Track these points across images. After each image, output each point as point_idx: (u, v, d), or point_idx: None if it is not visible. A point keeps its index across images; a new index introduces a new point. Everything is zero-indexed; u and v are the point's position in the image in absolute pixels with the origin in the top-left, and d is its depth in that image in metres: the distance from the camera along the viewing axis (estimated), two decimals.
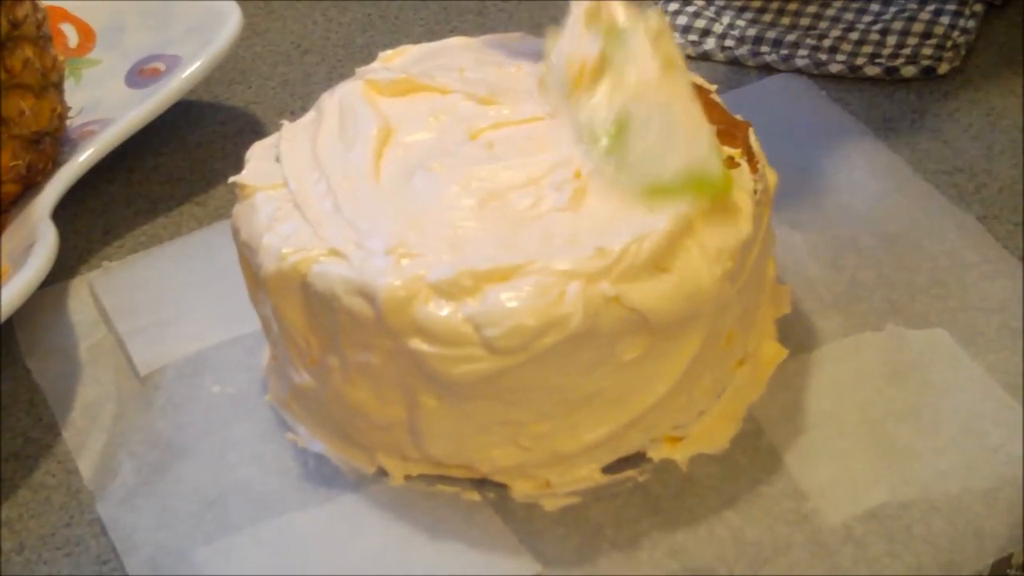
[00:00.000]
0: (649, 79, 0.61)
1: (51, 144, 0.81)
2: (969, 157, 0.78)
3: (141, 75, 0.88)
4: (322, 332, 0.61)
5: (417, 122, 0.66)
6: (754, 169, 0.63)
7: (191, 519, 0.64)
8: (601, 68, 0.63)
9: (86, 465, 0.67)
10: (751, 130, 0.65)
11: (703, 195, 0.59)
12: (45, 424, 0.70)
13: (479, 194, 0.61)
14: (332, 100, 0.68)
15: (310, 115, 0.68)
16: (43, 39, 0.80)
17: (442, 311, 0.57)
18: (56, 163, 0.81)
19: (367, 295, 0.58)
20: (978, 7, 0.88)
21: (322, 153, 0.65)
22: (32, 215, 0.76)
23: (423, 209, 0.61)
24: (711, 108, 0.65)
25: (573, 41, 0.64)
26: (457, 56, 0.71)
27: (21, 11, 0.77)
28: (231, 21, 0.87)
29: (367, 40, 0.97)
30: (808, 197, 0.76)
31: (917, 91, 0.84)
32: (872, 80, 0.85)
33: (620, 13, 0.63)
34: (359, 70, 0.70)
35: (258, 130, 0.89)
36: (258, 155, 0.67)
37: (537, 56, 0.68)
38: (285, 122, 0.68)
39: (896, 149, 0.79)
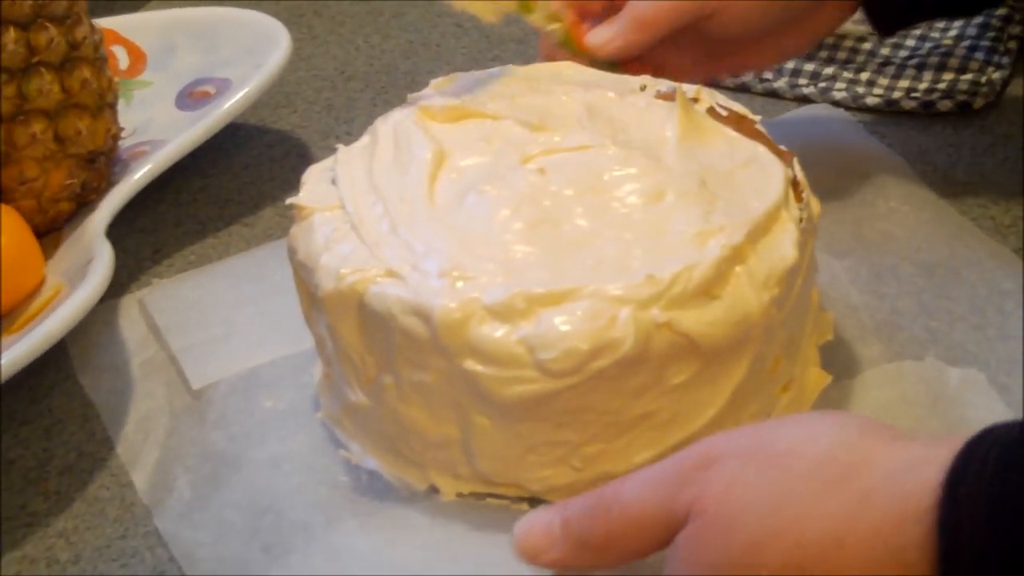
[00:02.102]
0: None
1: (105, 163, 0.82)
2: (1005, 191, 0.79)
3: (191, 97, 0.90)
4: (377, 351, 0.62)
5: (470, 147, 0.67)
6: (799, 198, 0.64)
7: (247, 531, 0.65)
8: None
9: (141, 479, 0.69)
10: (795, 160, 0.66)
11: None
12: (99, 439, 0.72)
13: (530, 218, 0.62)
14: (386, 125, 0.70)
15: (364, 139, 0.70)
16: (100, 60, 0.82)
17: (496, 332, 0.58)
18: (109, 183, 0.83)
19: (423, 315, 0.59)
20: (1012, 44, 0.90)
21: (378, 176, 0.66)
22: (87, 233, 0.78)
23: (476, 232, 0.62)
24: (756, 137, 0.66)
25: None
26: (508, 83, 0.72)
27: (80, 32, 0.79)
28: (280, 45, 0.88)
29: (410, 67, 0.98)
30: (848, 225, 0.77)
31: (953, 125, 0.85)
32: (909, 114, 0.86)
33: None
34: (411, 96, 0.72)
35: (304, 153, 0.91)
36: (314, 178, 0.69)
37: (586, 83, 0.70)
38: (340, 146, 0.70)
39: (932, 182, 0.80)
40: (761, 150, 0.65)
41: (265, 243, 0.83)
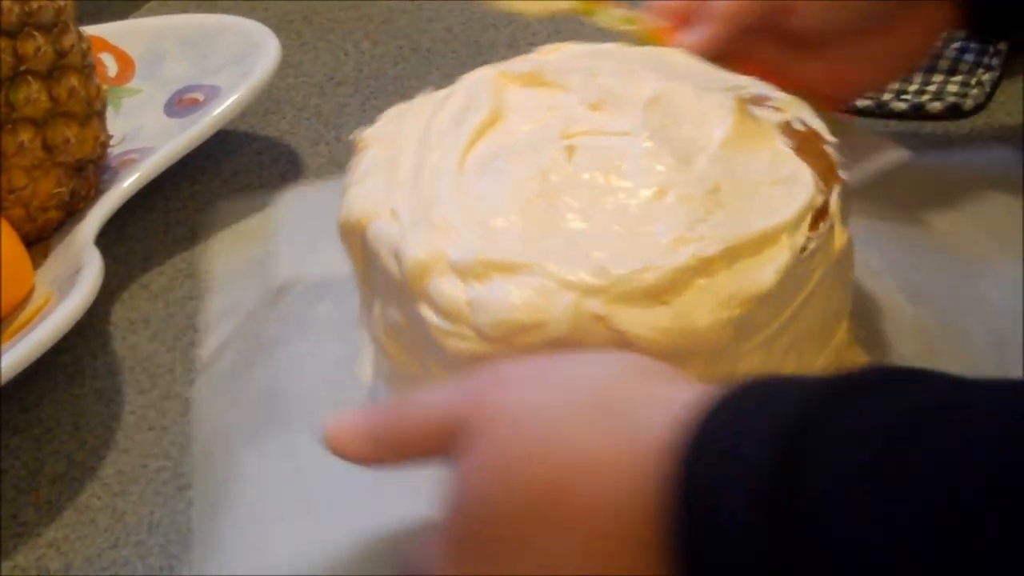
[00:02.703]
0: None
1: (94, 172, 0.82)
2: None
3: (180, 104, 0.90)
4: (371, 283, 0.65)
5: (527, 114, 0.67)
6: (814, 227, 0.62)
7: (255, 408, 0.69)
8: None
9: (206, 348, 0.75)
10: (838, 189, 0.63)
11: None
12: (89, 447, 0.72)
13: (531, 191, 0.62)
14: (466, 80, 0.70)
15: (446, 90, 0.71)
16: (88, 68, 0.82)
17: (451, 288, 0.60)
18: (98, 190, 0.82)
19: (399, 258, 0.61)
20: (1002, 46, 0.90)
21: (433, 125, 0.67)
22: (76, 241, 0.78)
23: (478, 194, 0.63)
24: (815, 158, 0.65)
25: None
26: (604, 60, 0.72)
27: (67, 41, 0.79)
28: (269, 52, 0.88)
29: (399, 72, 0.98)
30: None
31: (943, 127, 0.85)
32: (899, 116, 0.86)
33: None
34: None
35: (293, 160, 0.91)
36: (391, 115, 0.70)
37: (679, 73, 0.70)
38: (430, 88, 0.71)
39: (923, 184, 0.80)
40: (805, 172, 0.63)
41: None
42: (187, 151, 0.84)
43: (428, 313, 0.60)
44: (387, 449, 0.52)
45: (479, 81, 0.70)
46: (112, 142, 0.86)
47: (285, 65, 0.99)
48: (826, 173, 0.64)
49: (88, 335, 0.78)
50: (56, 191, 0.79)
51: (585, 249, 0.60)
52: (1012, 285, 0.70)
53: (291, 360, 0.72)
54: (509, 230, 0.61)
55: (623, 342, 0.58)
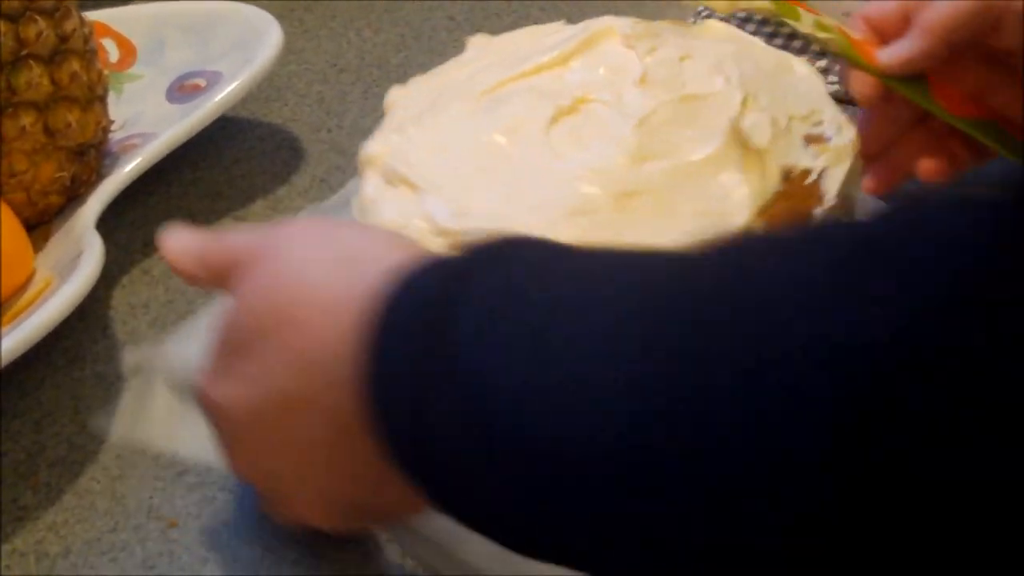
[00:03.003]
0: None
1: (95, 156, 0.82)
2: (996, 178, 0.79)
3: (182, 90, 0.90)
4: None
5: (592, 65, 0.71)
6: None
7: None
8: None
9: None
10: None
11: None
12: (89, 431, 0.71)
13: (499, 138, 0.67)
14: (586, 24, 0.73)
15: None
16: (90, 53, 0.81)
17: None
18: (99, 175, 0.82)
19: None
20: None
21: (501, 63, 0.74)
22: (76, 226, 0.78)
23: (472, 132, 0.68)
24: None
25: None
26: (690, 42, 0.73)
27: (69, 25, 0.79)
28: (272, 39, 0.88)
29: (401, 60, 0.98)
30: None
31: None
32: None
33: None
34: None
35: (294, 147, 0.91)
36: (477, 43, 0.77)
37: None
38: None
39: None
40: (740, 216, 0.62)
41: None
42: (188, 137, 0.84)
43: None
44: (205, 271, 0.58)
45: (588, 28, 0.72)
46: (113, 127, 0.86)
47: (287, 52, 0.98)
48: (778, 225, 0.63)
49: (88, 319, 0.78)
50: (57, 175, 0.79)
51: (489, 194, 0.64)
52: None
53: None
54: (481, 178, 0.65)
55: None
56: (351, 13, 1.05)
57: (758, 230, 0.61)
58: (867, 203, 0.70)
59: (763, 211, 0.61)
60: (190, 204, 0.86)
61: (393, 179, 0.67)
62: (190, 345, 0.61)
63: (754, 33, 0.91)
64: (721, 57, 0.70)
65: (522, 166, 0.65)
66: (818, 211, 0.62)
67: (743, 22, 0.94)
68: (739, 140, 0.63)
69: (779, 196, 0.62)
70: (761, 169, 0.62)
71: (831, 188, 0.63)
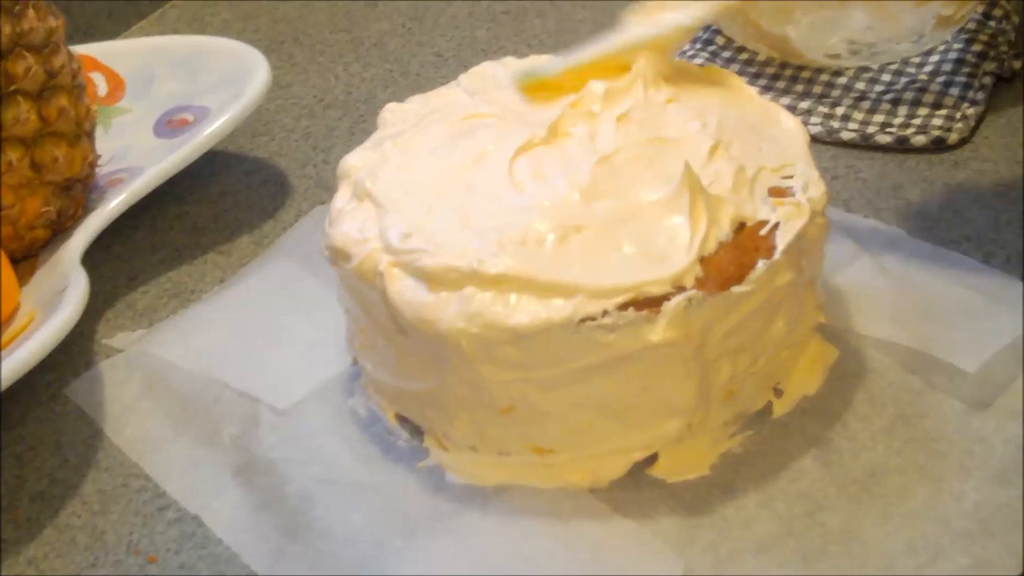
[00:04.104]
0: None
1: (81, 191, 0.83)
2: (977, 226, 0.80)
3: (169, 125, 0.90)
4: None
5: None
6: (624, 307, 0.61)
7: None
8: None
9: None
10: (700, 296, 0.62)
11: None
12: (72, 465, 0.72)
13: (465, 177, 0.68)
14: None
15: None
16: (78, 88, 0.82)
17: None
18: (86, 209, 0.83)
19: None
20: (987, 79, 0.90)
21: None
22: (62, 260, 0.78)
23: (435, 163, 0.69)
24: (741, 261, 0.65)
25: None
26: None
27: (58, 61, 0.80)
28: (259, 74, 0.89)
29: (388, 96, 0.99)
30: None
31: (927, 160, 0.86)
32: (883, 148, 0.87)
33: None
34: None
35: (281, 182, 0.91)
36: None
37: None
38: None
39: (906, 217, 0.81)
40: (679, 261, 0.62)
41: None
42: (175, 172, 0.84)
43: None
44: None
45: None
46: (101, 161, 0.86)
47: (275, 87, 1.00)
48: (726, 278, 0.63)
49: (73, 353, 0.78)
50: (43, 210, 0.80)
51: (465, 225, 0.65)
52: None
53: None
54: (442, 202, 0.66)
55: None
56: (339, 48, 1.06)
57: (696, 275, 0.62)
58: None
59: (706, 258, 0.62)
60: (175, 239, 0.87)
61: (360, 193, 0.68)
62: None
63: (752, 83, 0.92)
64: (707, 103, 0.71)
65: (480, 194, 0.66)
66: (763, 263, 0.63)
67: (745, 65, 0.95)
68: (694, 186, 0.63)
69: (725, 245, 0.63)
70: (712, 216, 0.63)
71: (782, 242, 0.64)
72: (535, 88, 0.74)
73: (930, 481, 0.64)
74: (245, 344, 0.76)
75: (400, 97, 0.97)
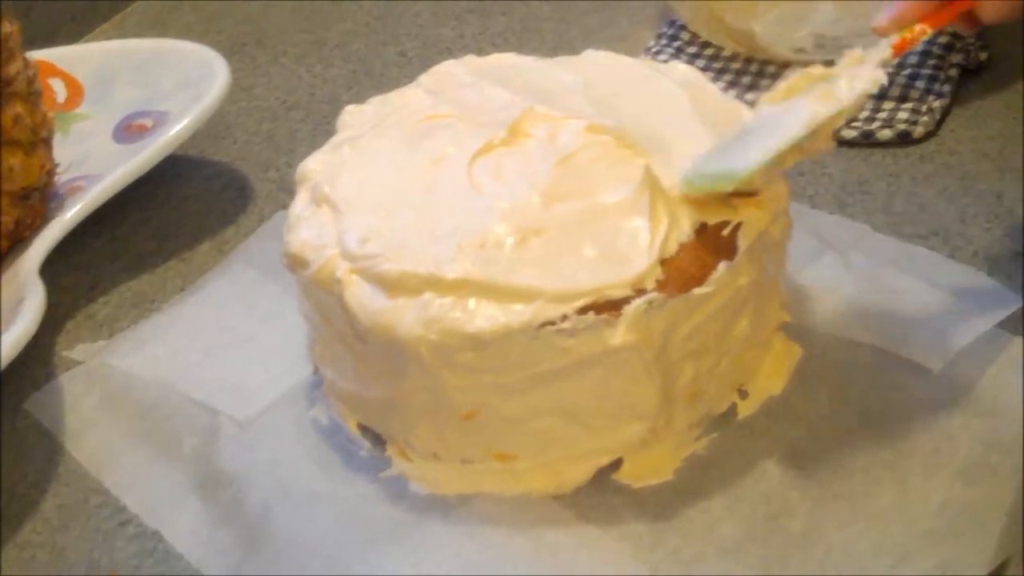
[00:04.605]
0: None
1: (39, 200, 0.82)
2: (944, 220, 0.79)
3: (129, 130, 0.89)
4: None
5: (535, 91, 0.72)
6: (583, 311, 0.61)
7: None
8: None
9: None
10: (660, 297, 0.61)
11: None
12: (31, 480, 0.71)
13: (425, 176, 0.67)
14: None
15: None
16: (34, 95, 0.81)
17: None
18: (44, 218, 0.82)
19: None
20: (953, 72, 0.90)
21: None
22: (21, 271, 0.77)
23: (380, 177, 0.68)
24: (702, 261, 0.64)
25: None
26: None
27: (13, 68, 0.79)
28: (219, 77, 0.88)
29: (352, 96, 0.98)
30: None
31: (893, 154, 0.85)
32: (849, 143, 0.86)
33: None
34: None
35: (243, 186, 0.90)
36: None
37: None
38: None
39: (872, 212, 0.80)
40: (639, 263, 0.61)
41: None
42: (135, 178, 0.83)
43: None
44: None
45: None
46: (60, 169, 0.85)
47: (237, 89, 0.99)
48: (688, 279, 0.62)
49: (32, 366, 0.77)
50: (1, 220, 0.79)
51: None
52: None
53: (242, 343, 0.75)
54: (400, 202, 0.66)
55: None
56: (302, 49, 1.05)
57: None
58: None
59: (667, 259, 0.62)
60: (136, 246, 0.86)
61: (318, 198, 0.68)
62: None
63: (717, 78, 0.92)
64: (671, 102, 0.70)
65: (439, 197, 0.65)
66: (724, 264, 0.62)
67: (711, 61, 0.94)
68: (654, 187, 0.63)
69: (686, 246, 0.62)
70: (673, 217, 0.62)
71: (744, 242, 0.63)
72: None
73: (896, 481, 0.64)
74: (206, 354, 0.76)
75: (364, 98, 0.96)
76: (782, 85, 0.65)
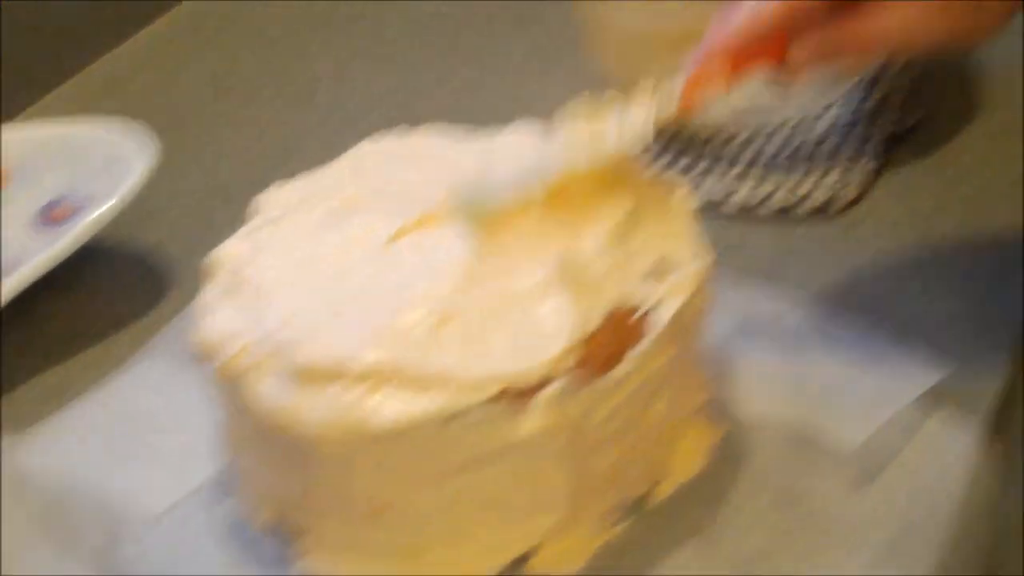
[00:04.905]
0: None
1: None
2: (871, 291, 0.79)
3: (52, 216, 0.88)
4: None
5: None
6: (497, 399, 0.60)
7: None
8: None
9: None
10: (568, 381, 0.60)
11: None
12: None
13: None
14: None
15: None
16: None
17: None
18: None
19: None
20: (881, 137, 0.90)
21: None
22: None
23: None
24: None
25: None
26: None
27: None
28: (143, 160, 0.87)
29: (282, 176, 0.96)
30: None
31: (821, 222, 0.84)
32: (778, 211, 0.85)
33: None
34: None
35: (166, 270, 0.89)
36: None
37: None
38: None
39: (799, 282, 0.79)
40: (556, 344, 0.60)
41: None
42: (52, 266, 0.82)
43: None
44: None
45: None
46: None
47: (164, 172, 0.97)
48: (603, 361, 0.61)
49: None
50: None
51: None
52: None
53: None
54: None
55: None
56: (233, 130, 1.04)
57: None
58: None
59: (580, 344, 0.60)
60: (52, 336, 0.84)
61: (230, 286, 0.66)
62: None
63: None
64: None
65: (354, 281, 0.64)
66: (641, 344, 0.61)
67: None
68: (568, 270, 0.62)
69: (602, 329, 0.61)
70: (587, 301, 0.61)
71: (662, 320, 0.62)
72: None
73: (815, 563, 0.63)
74: (116, 449, 0.74)
75: (294, 175, 0.96)
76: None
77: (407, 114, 1.00)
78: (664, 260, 0.65)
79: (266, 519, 0.67)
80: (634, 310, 0.63)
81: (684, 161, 0.90)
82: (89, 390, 0.80)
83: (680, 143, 0.92)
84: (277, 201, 0.74)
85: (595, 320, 0.61)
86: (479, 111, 0.96)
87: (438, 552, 0.63)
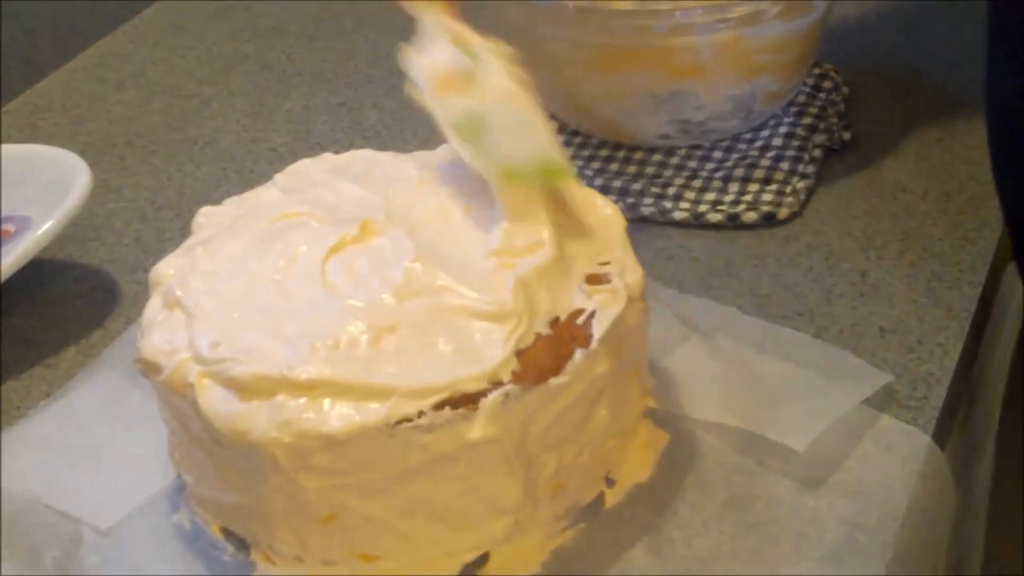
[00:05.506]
0: (505, 89, 0.69)
1: None
2: (809, 301, 0.80)
3: None
4: None
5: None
6: (439, 407, 0.60)
7: None
8: (462, 78, 0.69)
9: None
10: (512, 390, 0.61)
11: (549, 180, 0.67)
12: None
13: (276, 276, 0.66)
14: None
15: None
16: None
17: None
18: None
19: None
20: (817, 152, 0.91)
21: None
22: None
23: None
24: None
25: (432, 55, 0.71)
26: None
27: None
28: (81, 180, 0.87)
29: (222, 194, 0.96)
30: None
31: (759, 236, 0.86)
32: (715, 227, 0.87)
33: (473, 37, 0.70)
34: None
35: (111, 288, 0.89)
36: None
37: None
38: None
39: (738, 294, 0.81)
40: (492, 358, 0.61)
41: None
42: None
43: None
44: None
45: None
46: None
47: (105, 191, 0.98)
48: (544, 370, 0.62)
49: None
50: None
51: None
52: None
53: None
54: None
55: None
56: (173, 148, 1.04)
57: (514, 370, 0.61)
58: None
59: (522, 351, 0.61)
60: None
61: (170, 302, 0.67)
62: None
63: (586, 165, 0.92)
64: None
65: (292, 297, 0.65)
66: (580, 353, 0.62)
67: (580, 148, 0.95)
68: (508, 280, 0.63)
69: (542, 337, 0.62)
70: (527, 310, 0.62)
71: (599, 330, 0.63)
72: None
73: (763, 566, 0.64)
74: (68, 462, 0.74)
75: (235, 194, 0.96)
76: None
77: (347, 131, 1.02)
78: (598, 274, 0.66)
79: (219, 528, 0.67)
80: (573, 319, 0.64)
81: (620, 182, 0.91)
82: (40, 405, 0.79)
83: (617, 163, 0.93)
84: (211, 221, 0.74)
85: (536, 329, 0.62)
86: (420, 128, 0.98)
87: (390, 559, 0.64)
